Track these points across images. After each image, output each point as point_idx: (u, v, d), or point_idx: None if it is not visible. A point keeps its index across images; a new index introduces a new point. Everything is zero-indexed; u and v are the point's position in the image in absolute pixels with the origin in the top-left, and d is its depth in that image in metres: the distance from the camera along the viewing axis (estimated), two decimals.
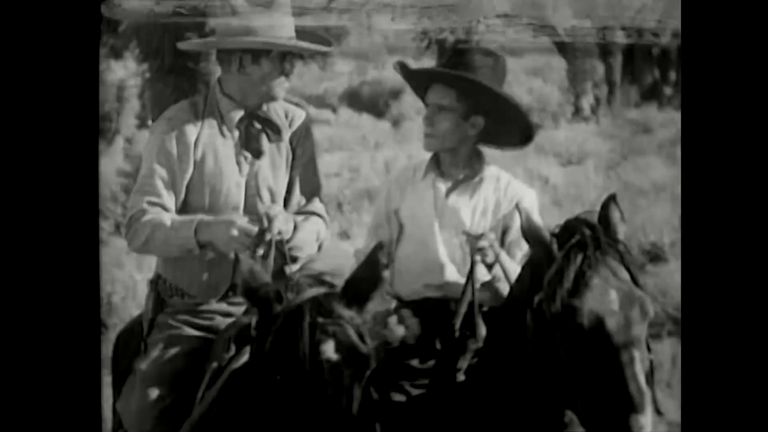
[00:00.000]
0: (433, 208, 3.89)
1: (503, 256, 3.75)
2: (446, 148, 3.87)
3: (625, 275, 3.23)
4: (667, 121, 17.77)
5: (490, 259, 3.71)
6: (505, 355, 3.44)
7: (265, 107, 3.88)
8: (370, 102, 21.84)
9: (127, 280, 8.17)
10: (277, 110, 3.92)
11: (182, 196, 3.81)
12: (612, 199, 3.42)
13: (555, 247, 3.27)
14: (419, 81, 3.96)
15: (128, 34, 13.85)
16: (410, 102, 20.68)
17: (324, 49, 3.94)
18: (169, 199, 3.77)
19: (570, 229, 3.32)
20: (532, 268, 3.36)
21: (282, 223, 3.63)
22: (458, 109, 3.83)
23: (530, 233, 3.32)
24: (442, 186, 3.91)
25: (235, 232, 3.58)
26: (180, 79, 13.26)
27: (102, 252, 2.89)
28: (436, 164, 3.93)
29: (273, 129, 3.88)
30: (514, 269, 3.73)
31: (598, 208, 3.43)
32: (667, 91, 23.34)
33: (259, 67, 3.79)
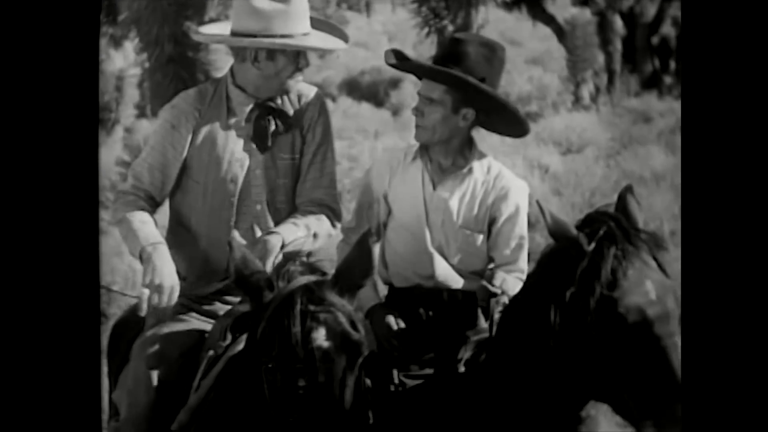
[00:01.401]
0: (421, 198, 3.86)
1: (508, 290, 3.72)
2: (437, 140, 3.84)
3: (654, 264, 3.25)
4: (667, 110, 17.73)
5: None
6: (520, 349, 3.41)
7: (278, 99, 3.86)
8: (369, 91, 21.81)
9: (126, 270, 8.17)
10: (290, 96, 3.89)
11: (171, 183, 3.80)
12: (629, 190, 3.43)
13: (584, 241, 3.26)
14: (412, 71, 3.94)
15: (128, 23, 13.82)
16: (410, 91, 20.65)
17: (340, 46, 3.90)
18: (153, 186, 3.78)
19: (594, 222, 3.31)
20: (558, 264, 3.32)
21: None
22: (448, 102, 3.79)
23: (557, 230, 3.29)
24: (431, 175, 3.88)
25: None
26: (179, 68, 13.25)
27: (102, 242, 2.89)
28: (426, 150, 3.90)
29: (285, 119, 3.85)
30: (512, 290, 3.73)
31: (614, 200, 3.43)
32: (667, 80, 23.33)
33: (273, 63, 3.76)
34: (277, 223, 3.81)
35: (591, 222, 3.33)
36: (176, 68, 13.27)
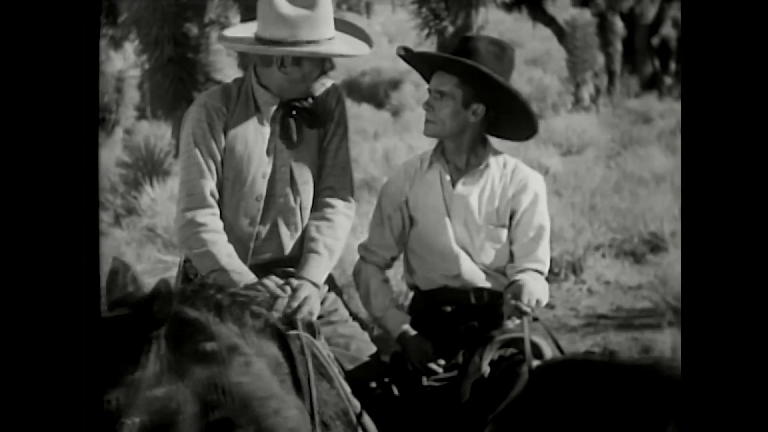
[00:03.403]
0: (441, 198, 3.88)
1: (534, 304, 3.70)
2: (446, 135, 3.85)
3: None
4: (667, 111, 17.77)
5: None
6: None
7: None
8: (369, 92, 21.84)
9: None
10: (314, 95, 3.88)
11: (217, 179, 3.79)
12: None
13: None
14: (423, 66, 3.94)
15: (128, 24, 13.83)
16: (410, 92, 20.70)
17: (365, 51, 3.88)
18: (216, 188, 3.77)
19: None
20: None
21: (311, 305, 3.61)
22: (458, 96, 3.81)
23: None
24: (449, 175, 3.90)
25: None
26: (179, 69, 13.26)
27: (102, 243, 2.89)
28: (442, 153, 3.92)
29: (311, 115, 3.85)
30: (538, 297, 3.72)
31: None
32: (668, 80, 23.37)
33: (299, 68, 3.75)
34: (298, 219, 3.83)
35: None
36: (176, 69, 13.27)
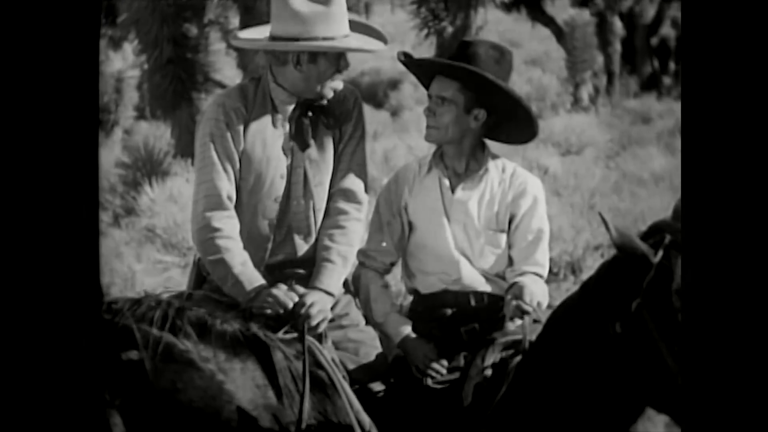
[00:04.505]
0: (440, 204, 3.87)
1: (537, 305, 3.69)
2: (448, 141, 3.85)
3: None
4: (666, 112, 17.79)
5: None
6: (567, 360, 3.33)
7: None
8: (368, 92, 21.82)
9: (126, 271, 8.19)
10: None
11: (234, 180, 3.76)
12: None
13: (650, 252, 3.15)
14: (423, 71, 3.93)
15: (127, 24, 13.83)
16: (409, 92, 20.70)
17: (381, 47, 3.87)
18: (231, 187, 3.73)
19: (657, 232, 3.21)
20: (620, 275, 3.24)
21: (317, 314, 3.59)
22: (460, 102, 3.80)
23: (622, 242, 3.18)
24: (448, 180, 3.89)
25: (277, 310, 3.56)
26: (179, 70, 13.26)
27: (101, 243, 2.89)
28: (440, 158, 3.91)
29: (328, 116, 3.82)
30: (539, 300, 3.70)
31: (670, 213, 3.37)
32: (667, 81, 23.39)
33: (315, 66, 3.72)
34: (311, 221, 3.82)
35: (654, 233, 3.23)
36: (175, 70, 13.26)
